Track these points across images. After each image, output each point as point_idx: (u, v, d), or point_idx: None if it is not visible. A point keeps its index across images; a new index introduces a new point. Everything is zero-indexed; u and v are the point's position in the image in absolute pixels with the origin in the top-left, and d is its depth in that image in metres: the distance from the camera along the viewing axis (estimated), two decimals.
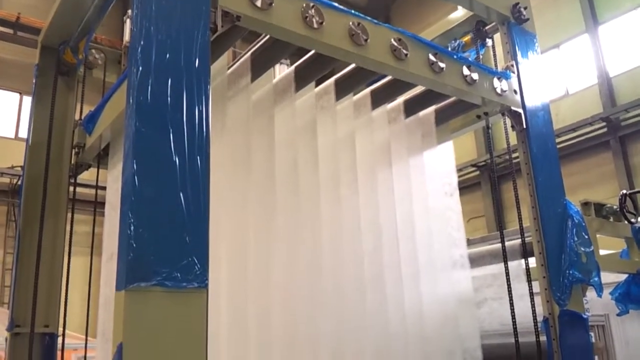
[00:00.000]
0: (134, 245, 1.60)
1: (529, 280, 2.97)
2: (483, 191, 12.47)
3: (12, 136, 12.15)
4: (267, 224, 2.50)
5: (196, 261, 1.70)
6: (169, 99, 1.87)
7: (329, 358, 2.57)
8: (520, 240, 3.11)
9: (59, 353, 2.99)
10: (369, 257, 2.89)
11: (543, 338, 2.92)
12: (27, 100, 11.56)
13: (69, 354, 4.91)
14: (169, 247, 1.67)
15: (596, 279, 3.00)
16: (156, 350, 1.60)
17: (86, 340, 3.34)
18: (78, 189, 3.24)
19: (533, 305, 2.95)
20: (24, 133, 11.33)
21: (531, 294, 2.92)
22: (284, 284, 2.45)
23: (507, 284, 2.90)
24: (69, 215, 3.16)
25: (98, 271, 3.00)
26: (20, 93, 12.30)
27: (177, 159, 1.79)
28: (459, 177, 3.63)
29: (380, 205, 3.07)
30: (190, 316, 1.66)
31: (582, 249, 2.96)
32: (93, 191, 3.21)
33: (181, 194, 1.77)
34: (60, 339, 3.03)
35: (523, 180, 3.07)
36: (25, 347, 2.74)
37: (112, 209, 2.86)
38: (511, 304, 2.86)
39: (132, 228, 1.62)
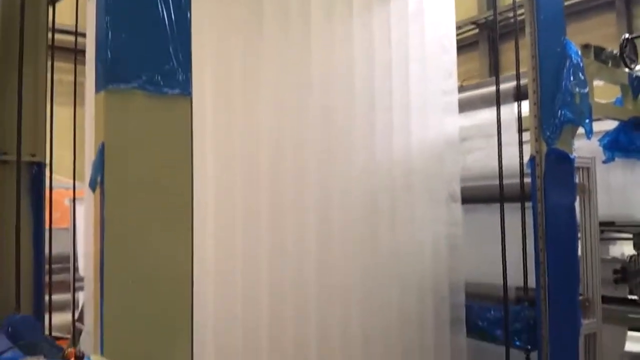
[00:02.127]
0: (112, 44, 1.52)
1: (520, 127, 2.96)
2: (480, 51, 12.17)
3: None
4: (255, 49, 2.39)
5: (179, 68, 1.62)
6: None
7: (316, 188, 2.61)
8: (515, 83, 3.06)
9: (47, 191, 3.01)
10: (359, 95, 2.84)
11: (527, 180, 2.98)
12: None
13: (61, 195, 4.99)
14: (150, 50, 1.59)
15: (587, 121, 2.98)
16: (140, 153, 1.58)
17: (74, 182, 3.36)
18: (58, 36, 3.09)
19: (521, 152, 2.96)
20: None
21: (520, 144, 2.93)
22: (272, 108, 2.41)
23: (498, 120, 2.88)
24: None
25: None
26: None
27: None
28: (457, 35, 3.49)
29: (376, 44, 2.95)
30: (174, 122, 1.63)
31: (577, 89, 2.91)
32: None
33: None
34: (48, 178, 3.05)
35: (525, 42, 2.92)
36: (13, 175, 2.74)
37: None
38: (499, 139, 2.86)
39: (108, 26, 1.52)
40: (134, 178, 1.62)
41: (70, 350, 1.48)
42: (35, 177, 2.88)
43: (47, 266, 3.42)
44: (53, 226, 3.53)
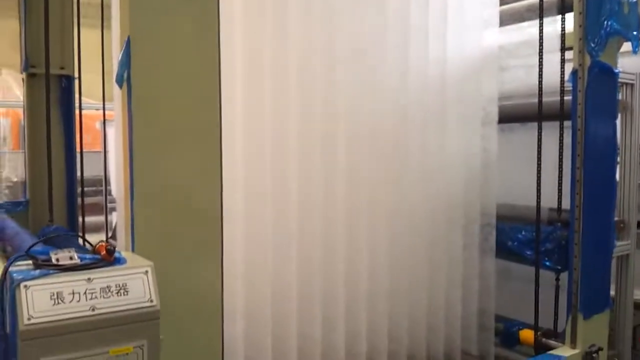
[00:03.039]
0: None
1: (563, 40, 2.83)
2: None
3: None
4: None
5: None
6: None
7: (346, 99, 2.53)
8: None
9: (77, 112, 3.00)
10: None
11: (567, 98, 2.86)
12: None
13: (91, 119, 5.01)
14: None
15: (635, 33, 2.81)
16: (166, 47, 1.55)
17: (104, 102, 3.35)
18: None
19: (562, 68, 2.84)
20: None
21: (562, 61, 2.81)
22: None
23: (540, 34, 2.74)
24: None
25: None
26: None
27: None
28: None
29: None
30: (201, 15, 1.58)
31: None
32: None
33: None
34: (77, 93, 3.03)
35: None
36: (42, 88, 2.74)
37: None
38: (540, 54, 2.73)
39: None
40: (160, 73, 1.58)
41: (102, 244, 1.49)
42: (64, 90, 2.88)
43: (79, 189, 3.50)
44: (85, 149, 3.57)
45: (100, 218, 4.13)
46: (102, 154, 4.17)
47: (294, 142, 2.38)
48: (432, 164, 2.84)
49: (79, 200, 3.44)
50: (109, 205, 4.13)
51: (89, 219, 3.54)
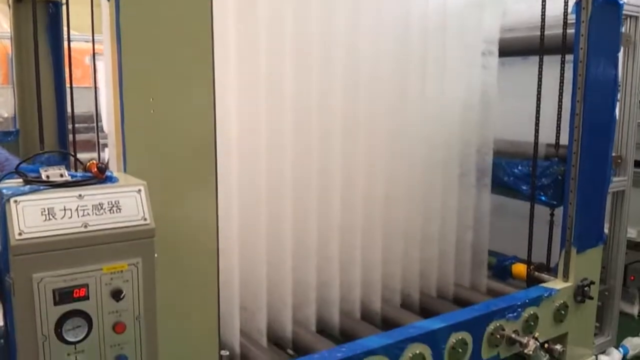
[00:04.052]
0: None
1: None
2: None
3: None
4: None
5: None
6: None
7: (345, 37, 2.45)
8: None
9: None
10: None
11: (570, 31, 2.79)
12: None
13: (81, 54, 4.88)
14: None
15: None
16: None
17: (93, 34, 3.24)
18: None
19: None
20: None
21: None
22: None
23: None
24: None
25: None
26: None
27: None
28: None
29: None
30: None
31: None
32: None
33: None
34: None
35: None
36: (29, 13, 2.63)
37: None
38: None
39: None
40: None
41: (93, 162, 1.45)
42: (52, 17, 2.77)
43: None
44: (75, 85, 3.49)
45: (93, 155, 4.08)
46: (93, 90, 4.08)
47: (289, 75, 2.31)
48: (430, 97, 2.79)
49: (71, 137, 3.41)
50: (101, 142, 4.07)
51: (81, 156, 3.50)
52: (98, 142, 4.03)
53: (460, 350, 2.34)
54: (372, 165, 2.60)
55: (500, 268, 3.14)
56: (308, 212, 2.43)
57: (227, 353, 1.76)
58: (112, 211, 1.38)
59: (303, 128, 2.36)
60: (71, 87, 3.37)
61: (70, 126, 3.53)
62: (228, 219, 2.15)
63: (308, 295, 2.48)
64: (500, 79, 3.09)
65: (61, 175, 1.41)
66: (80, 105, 4.16)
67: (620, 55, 2.96)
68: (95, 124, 4.19)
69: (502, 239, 3.26)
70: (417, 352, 2.20)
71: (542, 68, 2.90)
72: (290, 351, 2.43)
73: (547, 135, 2.96)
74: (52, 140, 3.47)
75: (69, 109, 3.45)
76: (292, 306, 2.43)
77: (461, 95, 2.92)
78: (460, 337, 2.34)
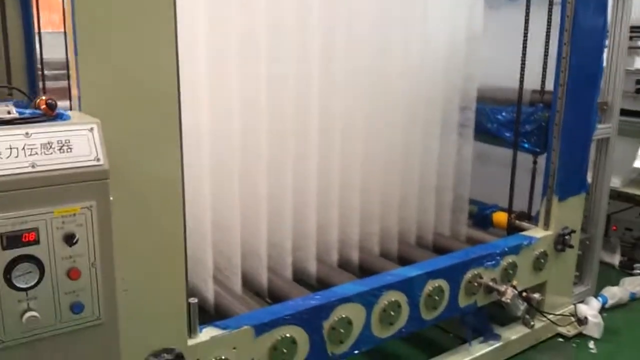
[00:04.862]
0: None
1: None
2: None
3: None
4: None
5: None
6: None
7: None
8: None
9: None
10: None
11: None
12: None
13: None
14: None
15: None
16: None
17: None
18: None
19: None
20: None
21: None
22: None
23: None
24: None
25: None
26: None
27: None
28: None
29: None
30: None
31: None
32: None
33: None
34: None
35: None
36: None
37: None
38: None
39: None
40: None
41: (42, 99, 1.35)
42: None
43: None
44: (51, 30, 3.36)
45: (65, 103, 3.94)
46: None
47: (263, 29, 2.17)
48: (412, 39, 2.67)
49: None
50: None
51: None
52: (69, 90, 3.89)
53: (436, 297, 2.31)
54: (349, 114, 2.50)
55: (481, 217, 3.10)
56: (283, 167, 2.34)
57: (196, 300, 1.71)
58: (62, 150, 1.28)
59: (278, 84, 2.25)
60: (39, 32, 3.24)
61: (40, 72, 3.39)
62: (200, 167, 2.07)
63: (284, 245, 2.42)
64: (487, 22, 2.98)
65: (8, 112, 1.32)
66: (59, 51, 3.99)
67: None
68: (66, 71, 4.03)
69: (486, 187, 3.22)
70: (393, 299, 2.17)
71: (529, 9, 2.79)
72: (268, 300, 2.39)
73: (534, 82, 2.87)
74: (22, 87, 3.33)
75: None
76: (268, 255, 2.38)
77: (444, 38, 2.81)
78: (436, 285, 2.31)
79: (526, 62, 2.81)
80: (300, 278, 2.51)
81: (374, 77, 2.54)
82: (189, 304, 1.70)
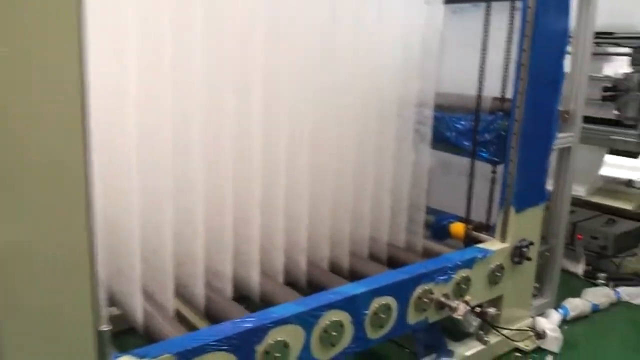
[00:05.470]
0: None
1: None
2: None
3: None
4: None
5: None
6: None
7: None
8: None
9: None
10: None
11: None
12: None
13: None
14: None
15: None
16: None
17: None
18: None
19: None
20: None
21: None
22: None
23: None
24: None
25: None
26: None
27: None
28: None
29: None
30: None
31: None
32: None
33: None
34: None
35: None
36: None
37: None
38: None
39: None
40: None
41: None
42: None
43: None
44: None
45: None
46: None
47: (199, 21, 2.03)
48: (365, 42, 2.55)
49: None
50: None
51: None
52: None
53: (383, 315, 2.20)
54: (297, 118, 2.37)
55: (438, 227, 3.00)
56: (223, 175, 2.21)
57: (107, 328, 1.55)
58: None
59: (217, 82, 2.11)
60: None
61: None
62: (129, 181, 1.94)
63: (225, 260, 2.29)
64: (449, 28, 2.87)
65: None
66: None
67: (574, 3, 2.76)
68: None
69: (446, 197, 3.12)
70: (335, 319, 2.05)
71: (489, 15, 2.70)
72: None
73: (496, 89, 2.77)
74: None
75: None
76: (207, 269, 2.25)
77: (400, 42, 2.69)
78: (383, 302, 2.20)
79: (487, 69, 2.72)
80: (244, 295, 2.39)
81: (322, 81, 2.41)
82: (99, 332, 1.55)
